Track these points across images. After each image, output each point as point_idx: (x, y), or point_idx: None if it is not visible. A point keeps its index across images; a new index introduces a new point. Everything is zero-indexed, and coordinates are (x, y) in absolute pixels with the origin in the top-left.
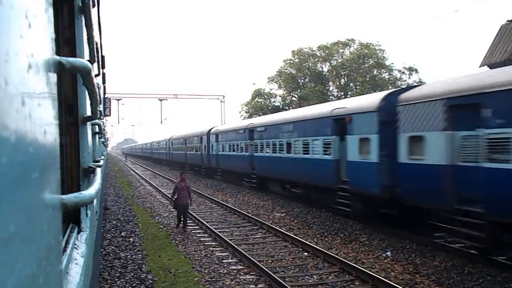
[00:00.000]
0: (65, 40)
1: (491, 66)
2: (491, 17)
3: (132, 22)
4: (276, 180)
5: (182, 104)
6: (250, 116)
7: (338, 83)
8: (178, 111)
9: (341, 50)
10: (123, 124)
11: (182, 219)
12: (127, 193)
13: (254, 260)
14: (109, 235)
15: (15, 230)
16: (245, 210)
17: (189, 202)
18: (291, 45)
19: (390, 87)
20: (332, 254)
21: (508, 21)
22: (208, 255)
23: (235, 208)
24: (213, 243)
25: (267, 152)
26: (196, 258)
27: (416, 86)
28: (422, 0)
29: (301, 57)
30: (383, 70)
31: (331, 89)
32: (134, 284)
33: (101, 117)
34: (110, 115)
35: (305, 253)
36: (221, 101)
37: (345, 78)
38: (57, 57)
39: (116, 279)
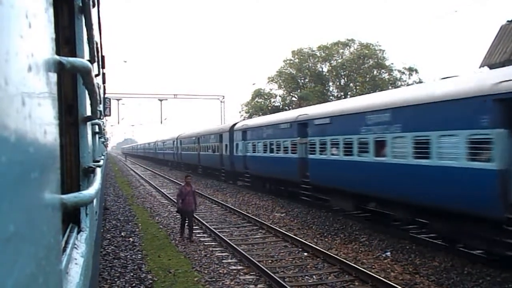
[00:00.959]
0: (65, 40)
1: (491, 67)
2: (491, 18)
3: (132, 22)
4: (347, 194)
5: (182, 104)
6: (250, 116)
7: (338, 83)
8: (178, 111)
9: (341, 50)
10: (123, 124)
11: (186, 226)
12: (127, 193)
13: (254, 260)
14: (109, 235)
15: (14, 230)
16: (245, 210)
17: (195, 207)
18: (291, 45)
19: (390, 87)
20: (331, 254)
21: (508, 21)
22: (208, 255)
23: (235, 208)
24: (212, 243)
25: (333, 154)
26: (195, 258)
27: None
28: (422, 0)
29: (301, 57)
30: (383, 70)
31: (331, 89)
32: (134, 284)
33: (101, 117)
34: (110, 115)
35: (305, 253)
36: (221, 101)
37: (345, 78)
38: (57, 57)
39: (116, 279)
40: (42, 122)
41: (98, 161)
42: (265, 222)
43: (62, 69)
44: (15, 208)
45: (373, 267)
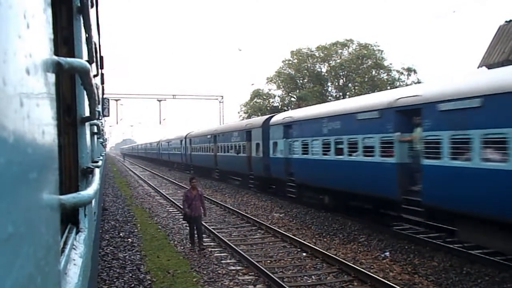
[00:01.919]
0: (64, 40)
1: (489, 67)
2: (490, 18)
3: (131, 23)
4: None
5: (180, 104)
6: (249, 117)
7: (336, 84)
8: (177, 111)
9: (339, 51)
10: (121, 125)
11: (196, 234)
12: (125, 193)
13: (253, 261)
14: (107, 236)
15: (13, 231)
16: (243, 210)
17: (204, 212)
18: (290, 46)
19: (388, 87)
20: (330, 255)
21: (506, 21)
22: (207, 256)
23: (234, 209)
24: (211, 244)
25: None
26: (194, 258)
27: None
28: (420, 0)
29: (300, 57)
30: (381, 70)
31: (329, 89)
32: (133, 285)
33: (100, 118)
34: (108, 116)
35: (304, 254)
36: (219, 102)
37: (344, 78)
38: (56, 58)
39: (115, 280)
40: (41, 123)
41: (97, 162)
42: (264, 223)
43: (61, 70)
44: (14, 209)
45: (372, 267)
